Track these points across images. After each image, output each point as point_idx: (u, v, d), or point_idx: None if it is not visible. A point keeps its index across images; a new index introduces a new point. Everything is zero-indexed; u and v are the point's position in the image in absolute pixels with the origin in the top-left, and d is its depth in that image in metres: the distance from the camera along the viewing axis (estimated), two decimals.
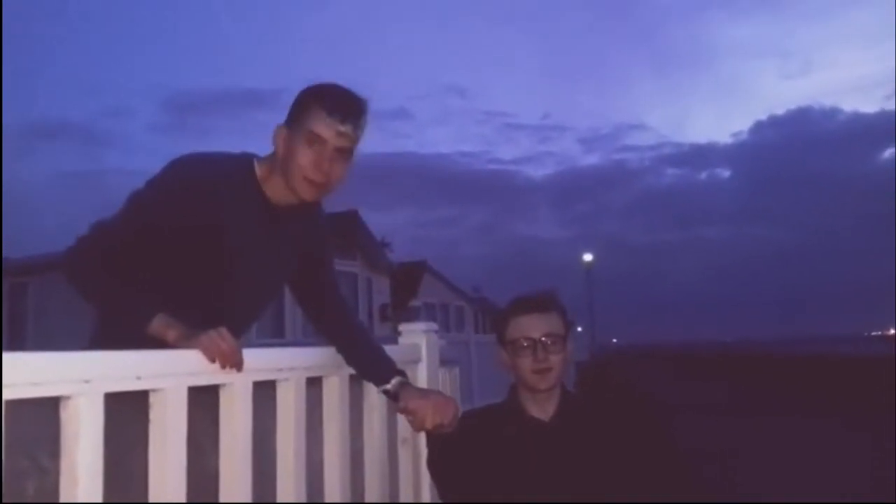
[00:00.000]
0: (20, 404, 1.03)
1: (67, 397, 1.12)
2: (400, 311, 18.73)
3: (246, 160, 1.70)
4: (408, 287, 21.28)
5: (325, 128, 1.59)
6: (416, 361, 2.19)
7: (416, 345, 2.22)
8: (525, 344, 1.87)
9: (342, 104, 1.62)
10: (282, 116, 1.68)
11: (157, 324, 1.47)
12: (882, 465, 6.23)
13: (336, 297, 1.93)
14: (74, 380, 1.11)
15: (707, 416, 11.40)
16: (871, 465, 6.46)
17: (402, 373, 1.82)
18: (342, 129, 1.60)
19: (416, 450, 2.10)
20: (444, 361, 2.44)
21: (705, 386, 18.09)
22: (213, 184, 1.61)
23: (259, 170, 1.69)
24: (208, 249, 1.62)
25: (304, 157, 1.61)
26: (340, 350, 1.83)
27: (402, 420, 2.04)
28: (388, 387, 1.78)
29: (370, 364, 1.84)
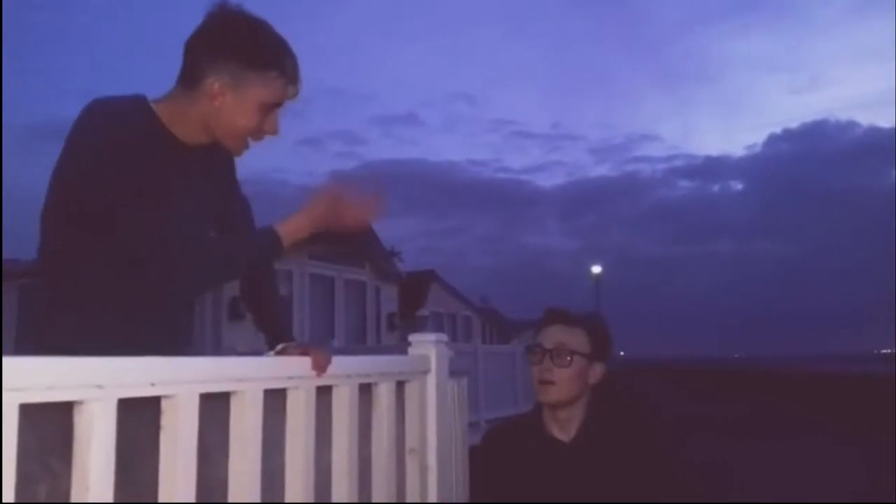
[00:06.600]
0: (34, 408, 1.04)
1: (81, 402, 1.12)
2: (408, 320, 18.71)
3: (142, 102, 1.58)
4: (416, 296, 21.26)
5: (281, 96, 1.55)
6: (426, 372, 2.18)
7: (426, 356, 2.22)
8: (535, 352, 1.83)
9: (297, 68, 1.56)
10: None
11: (283, 235, 1.52)
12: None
13: (249, 229, 1.83)
14: (88, 385, 1.12)
15: (714, 434, 11.30)
16: (874, 487, 6.37)
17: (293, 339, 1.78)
18: (294, 91, 1.57)
19: (422, 461, 2.10)
20: (453, 373, 2.44)
21: (714, 402, 17.94)
22: (133, 136, 1.49)
23: (159, 109, 1.57)
24: (156, 201, 1.49)
25: (252, 122, 1.55)
26: (247, 287, 1.80)
27: (409, 430, 2.04)
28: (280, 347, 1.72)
29: (274, 319, 1.81)
